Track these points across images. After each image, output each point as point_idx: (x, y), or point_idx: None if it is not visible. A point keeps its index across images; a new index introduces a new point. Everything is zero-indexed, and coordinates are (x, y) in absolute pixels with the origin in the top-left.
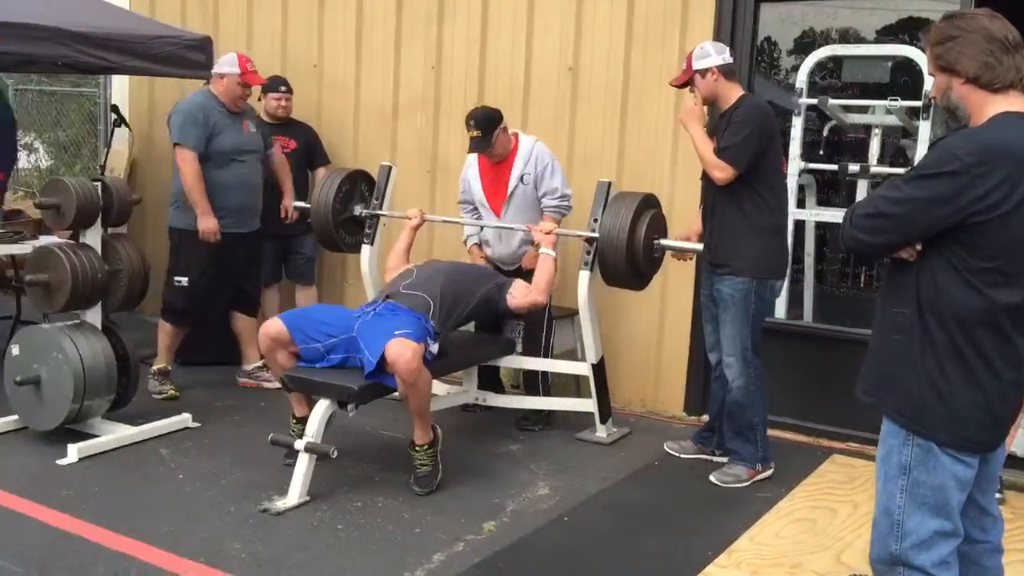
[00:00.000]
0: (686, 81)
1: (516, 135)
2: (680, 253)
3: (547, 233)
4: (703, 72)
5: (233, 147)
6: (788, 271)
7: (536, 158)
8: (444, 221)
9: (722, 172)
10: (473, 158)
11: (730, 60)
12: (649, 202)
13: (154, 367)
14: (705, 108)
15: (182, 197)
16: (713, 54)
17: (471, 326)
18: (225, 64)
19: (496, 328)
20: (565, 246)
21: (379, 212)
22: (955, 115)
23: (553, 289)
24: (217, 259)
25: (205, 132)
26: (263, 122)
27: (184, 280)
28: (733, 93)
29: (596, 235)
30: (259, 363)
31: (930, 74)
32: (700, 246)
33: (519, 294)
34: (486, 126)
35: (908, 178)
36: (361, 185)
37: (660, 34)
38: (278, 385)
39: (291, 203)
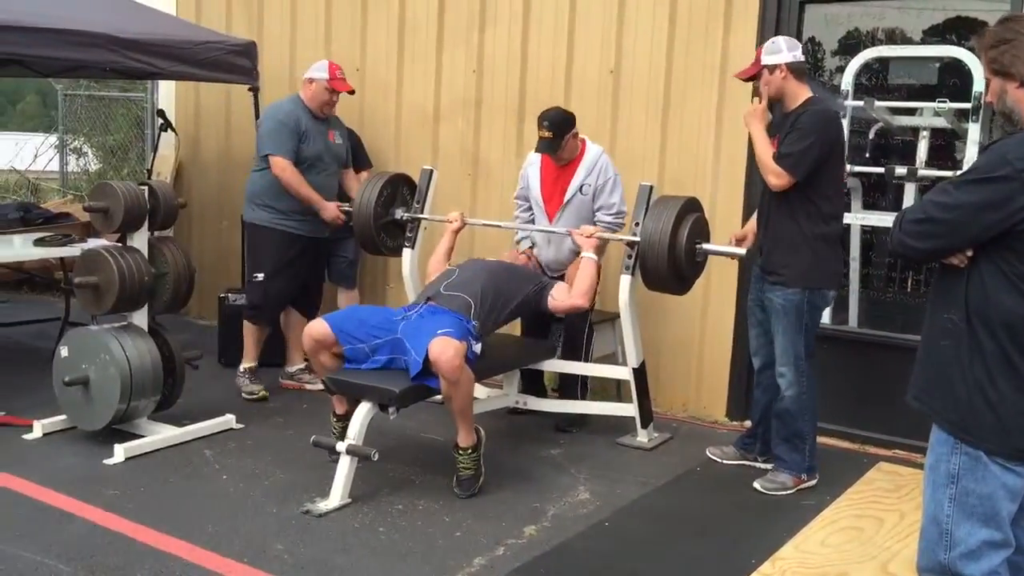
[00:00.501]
0: (753, 75)
1: (584, 141)
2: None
3: (589, 237)
4: (771, 68)
5: (316, 155)
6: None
7: (600, 170)
8: (485, 225)
9: (779, 179)
10: (536, 156)
11: (801, 59)
12: (692, 206)
13: (242, 366)
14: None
15: (258, 195)
16: (784, 50)
17: (514, 328)
18: (315, 69)
19: (542, 330)
20: (606, 250)
21: (420, 216)
22: (1010, 119)
23: (595, 294)
24: (289, 258)
25: (296, 139)
26: (351, 133)
27: (260, 276)
28: (801, 94)
29: (638, 239)
30: (301, 365)
31: (985, 78)
32: (743, 251)
33: (560, 296)
34: (558, 128)
35: (959, 183)
36: (402, 189)
37: (703, 35)
38: (320, 387)
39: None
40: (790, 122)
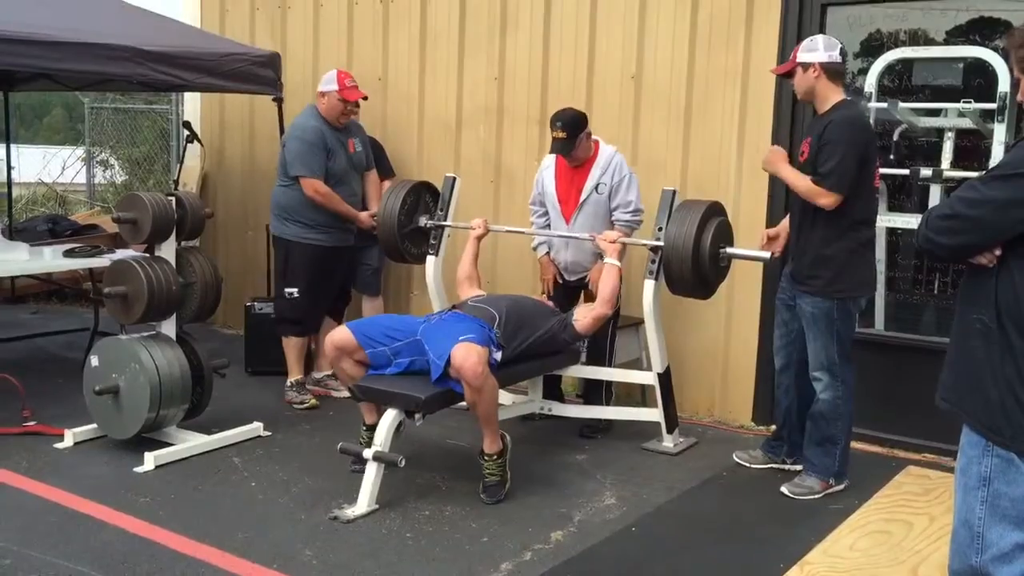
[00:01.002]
0: (788, 71)
1: (597, 142)
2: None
3: (612, 242)
4: (805, 66)
5: (341, 170)
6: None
7: (615, 169)
8: (508, 231)
9: (828, 199)
10: (551, 159)
11: (838, 60)
12: (715, 210)
13: (289, 380)
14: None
15: (285, 209)
16: (821, 49)
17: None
18: (326, 82)
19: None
20: (629, 256)
21: (444, 223)
22: None
23: (617, 300)
24: (322, 271)
25: (323, 155)
26: (374, 142)
27: (295, 291)
28: (832, 96)
29: (661, 244)
30: (329, 371)
31: (1016, 77)
32: (767, 255)
33: (582, 315)
34: (571, 128)
35: (986, 179)
36: (425, 196)
37: (724, 39)
38: (346, 394)
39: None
40: (820, 128)
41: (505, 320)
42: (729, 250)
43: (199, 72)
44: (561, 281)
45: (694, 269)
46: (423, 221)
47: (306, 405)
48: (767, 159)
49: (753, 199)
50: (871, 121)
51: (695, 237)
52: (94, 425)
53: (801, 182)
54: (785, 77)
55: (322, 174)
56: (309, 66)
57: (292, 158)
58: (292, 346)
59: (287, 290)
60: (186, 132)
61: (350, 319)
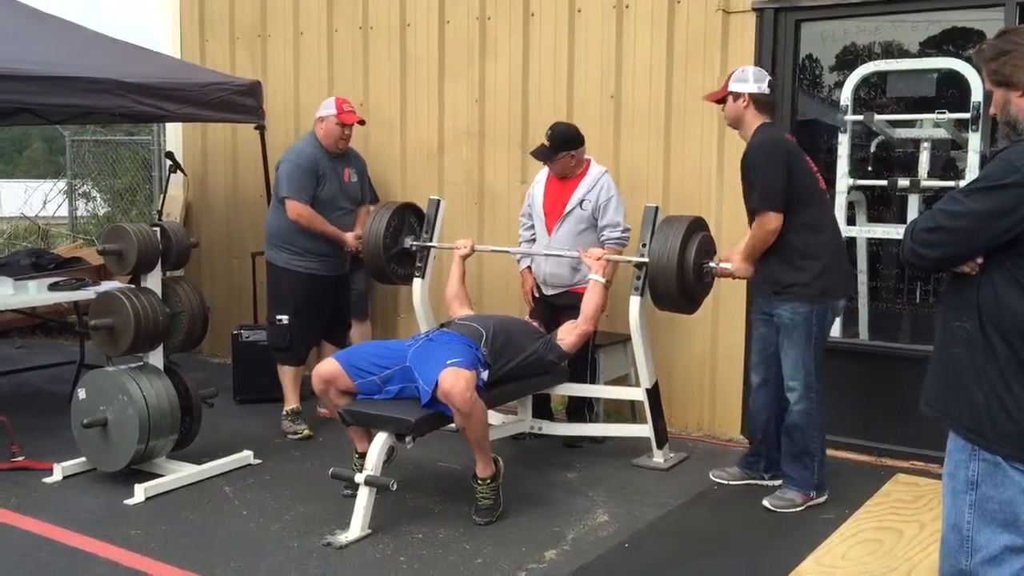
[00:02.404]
0: (720, 98)
1: (589, 161)
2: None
3: (598, 259)
4: (736, 95)
5: (331, 197)
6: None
7: (601, 188)
8: (493, 251)
9: (771, 221)
10: (543, 174)
11: (767, 91)
12: (697, 225)
13: (284, 409)
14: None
15: (276, 236)
16: (751, 80)
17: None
18: (324, 107)
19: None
20: (616, 273)
21: (430, 244)
22: (1015, 128)
23: (601, 316)
24: (312, 299)
25: (313, 180)
26: (364, 173)
27: (285, 318)
28: (753, 123)
29: (646, 260)
30: None
31: (987, 91)
32: (750, 270)
33: (566, 333)
34: (556, 142)
35: (968, 191)
36: (410, 218)
37: (701, 57)
38: None
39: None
40: (742, 158)
41: (492, 338)
42: (713, 264)
43: (181, 103)
44: (539, 295)
45: (679, 284)
46: (408, 242)
47: (300, 435)
48: (739, 271)
49: (734, 212)
50: (848, 133)
51: (679, 252)
52: (83, 458)
53: (752, 240)
54: (718, 103)
55: (308, 199)
56: (291, 94)
57: (282, 179)
58: (286, 374)
59: (277, 316)
60: (169, 162)
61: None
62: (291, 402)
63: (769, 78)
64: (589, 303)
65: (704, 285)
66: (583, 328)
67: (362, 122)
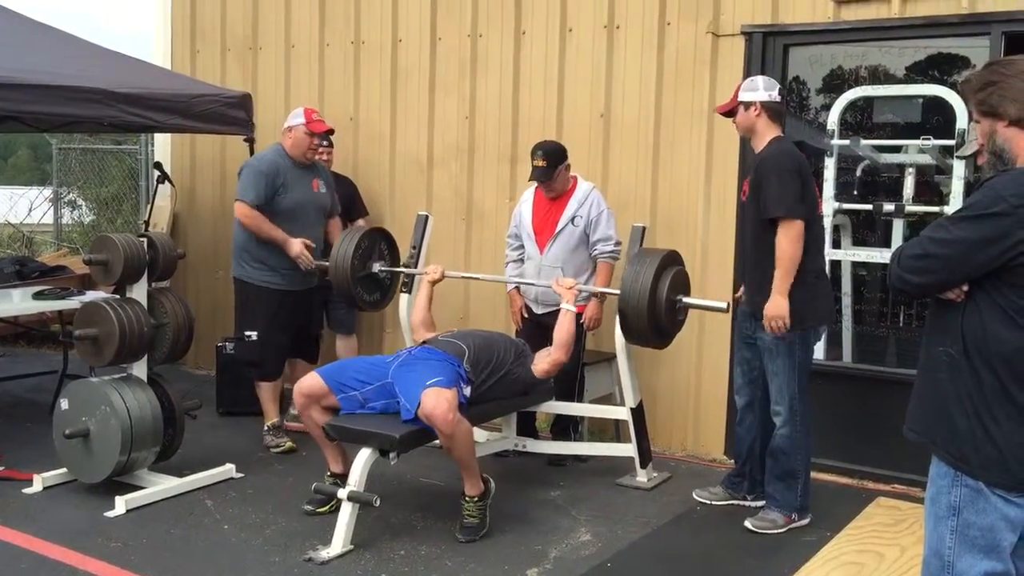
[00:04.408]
0: (730, 110)
1: (575, 178)
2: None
3: (569, 289)
4: (747, 104)
5: (296, 205)
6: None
7: (592, 203)
8: (464, 277)
9: (793, 228)
10: (529, 193)
11: (778, 99)
12: (671, 259)
13: (265, 424)
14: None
15: (243, 249)
16: (761, 89)
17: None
18: (292, 117)
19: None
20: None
21: (397, 269)
22: (1001, 158)
23: (583, 336)
24: (279, 314)
25: (270, 188)
26: (346, 181)
27: (252, 334)
28: (768, 133)
29: (617, 292)
30: None
31: (975, 121)
32: (724, 304)
33: (540, 359)
34: (552, 158)
35: (955, 219)
36: (380, 243)
37: (690, 79)
38: None
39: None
40: (754, 168)
41: (475, 354)
42: (686, 300)
43: (170, 113)
44: (529, 315)
45: (651, 320)
46: (376, 267)
47: (282, 448)
48: (772, 317)
49: (721, 233)
50: (834, 157)
51: (651, 288)
52: (64, 469)
53: (783, 263)
54: (727, 115)
55: (256, 201)
56: (281, 107)
57: (240, 183)
58: (264, 389)
59: (245, 332)
60: (157, 173)
61: (325, 358)
62: (271, 416)
63: (779, 86)
64: (562, 332)
65: (676, 323)
66: (555, 357)
67: (331, 131)
